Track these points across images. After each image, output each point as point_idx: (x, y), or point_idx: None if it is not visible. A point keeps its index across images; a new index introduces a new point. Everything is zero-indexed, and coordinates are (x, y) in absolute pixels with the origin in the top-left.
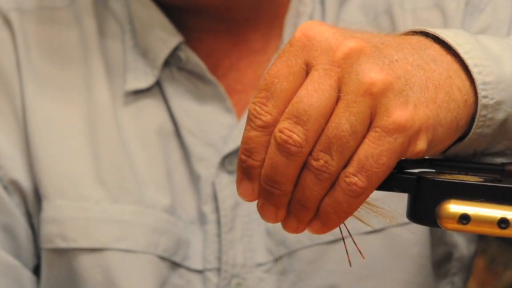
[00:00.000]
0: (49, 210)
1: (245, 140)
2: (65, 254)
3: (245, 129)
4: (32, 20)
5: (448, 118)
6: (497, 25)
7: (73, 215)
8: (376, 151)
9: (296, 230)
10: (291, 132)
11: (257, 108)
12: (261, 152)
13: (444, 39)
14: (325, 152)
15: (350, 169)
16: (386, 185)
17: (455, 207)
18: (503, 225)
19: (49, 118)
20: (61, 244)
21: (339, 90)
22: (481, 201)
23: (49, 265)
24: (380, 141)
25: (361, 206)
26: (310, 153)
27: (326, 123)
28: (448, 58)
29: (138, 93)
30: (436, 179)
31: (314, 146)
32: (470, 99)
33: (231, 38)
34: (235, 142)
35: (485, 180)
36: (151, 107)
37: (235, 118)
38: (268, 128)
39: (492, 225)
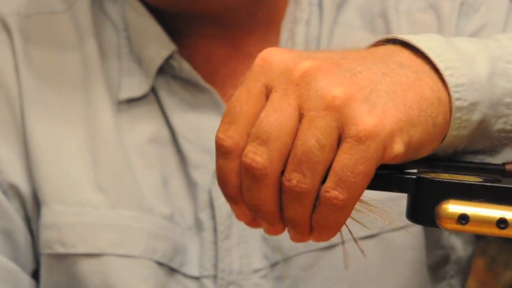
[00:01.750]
0: (47, 215)
1: (217, 170)
2: (64, 259)
3: (215, 159)
4: (30, 25)
5: (421, 118)
6: (492, 24)
7: (72, 221)
8: (351, 161)
9: (302, 241)
10: (254, 154)
11: (220, 135)
12: (233, 179)
13: (414, 44)
14: (296, 171)
15: (329, 183)
16: (386, 185)
17: (454, 207)
18: (502, 225)
19: (48, 122)
20: (60, 250)
21: (300, 108)
22: (480, 201)
23: (48, 270)
24: (353, 151)
25: (361, 208)
26: (283, 174)
27: (291, 142)
28: (417, 62)
29: (133, 101)
30: (435, 179)
31: (286, 167)
32: (444, 97)
33: (227, 44)
34: None
35: (485, 180)
36: (147, 115)
37: None
38: (232, 153)
39: (491, 225)
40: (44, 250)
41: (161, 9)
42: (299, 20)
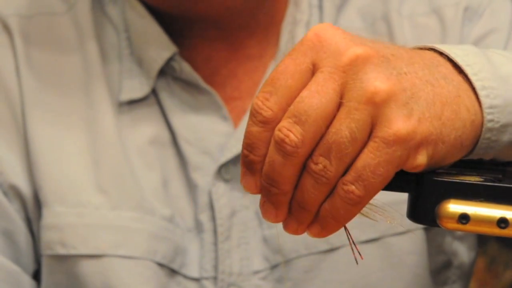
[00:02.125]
0: (48, 216)
1: (247, 135)
2: (65, 260)
3: (248, 123)
4: (31, 26)
5: (451, 136)
6: (497, 30)
7: (73, 222)
8: (374, 162)
9: (296, 232)
10: (289, 131)
11: (259, 103)
12: (261, 148)
13: (453, 59)
14: (324, 156)
15: (348, 177)
16: (386, 185)
17: (454, 207)
18: (503, 225)
19: (48, 124)
20: (61, 251)
21: (342, 95)
22: (480, 201)
23: (50, 271)
24: (379, 152)
25: (363, 208)
26: (310, 156)
27: (326, 127)
28: (458, 78)
29: (134, 102)
30: (436, 178)
31: (314, 149)
32: (478, 120)
33: (228, 45)
34: (231, 151)
35: (485, 180)
36: (148, 116)
37: (231, 126)
38: (269, 124)
39: (491, 225)
40: (45, 251)
41: (161, 11)
42: (299, 22)
